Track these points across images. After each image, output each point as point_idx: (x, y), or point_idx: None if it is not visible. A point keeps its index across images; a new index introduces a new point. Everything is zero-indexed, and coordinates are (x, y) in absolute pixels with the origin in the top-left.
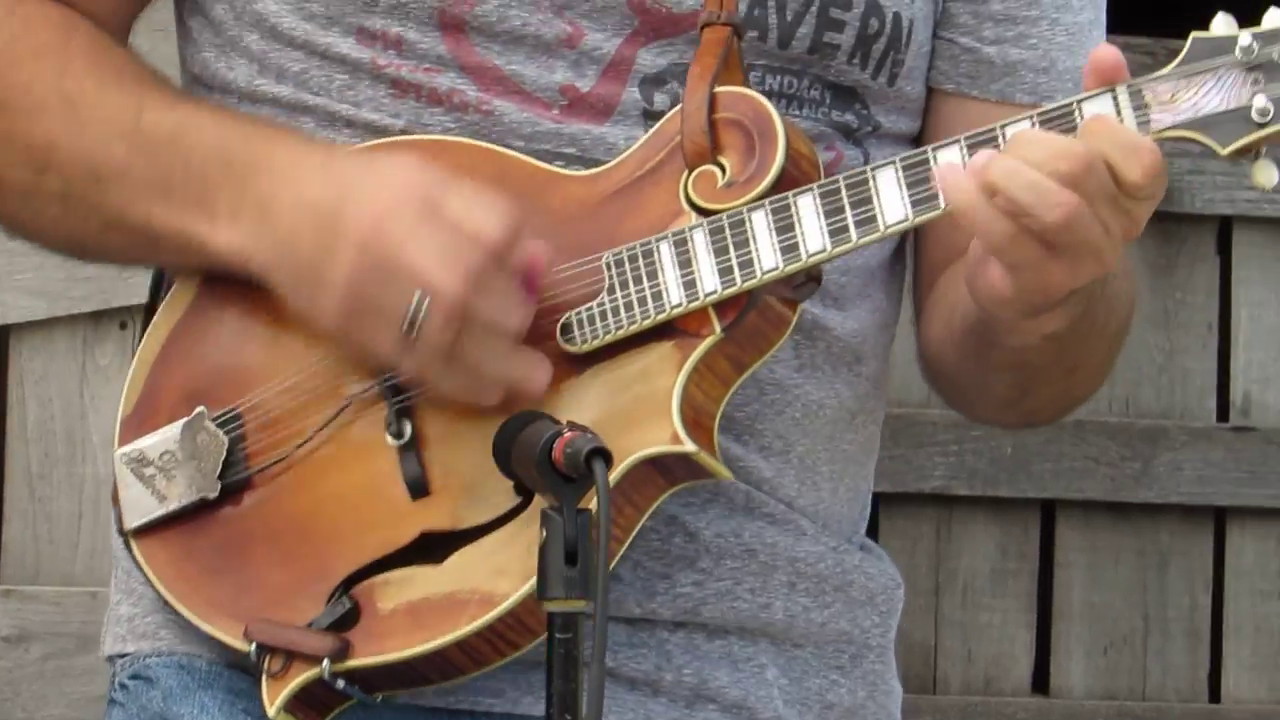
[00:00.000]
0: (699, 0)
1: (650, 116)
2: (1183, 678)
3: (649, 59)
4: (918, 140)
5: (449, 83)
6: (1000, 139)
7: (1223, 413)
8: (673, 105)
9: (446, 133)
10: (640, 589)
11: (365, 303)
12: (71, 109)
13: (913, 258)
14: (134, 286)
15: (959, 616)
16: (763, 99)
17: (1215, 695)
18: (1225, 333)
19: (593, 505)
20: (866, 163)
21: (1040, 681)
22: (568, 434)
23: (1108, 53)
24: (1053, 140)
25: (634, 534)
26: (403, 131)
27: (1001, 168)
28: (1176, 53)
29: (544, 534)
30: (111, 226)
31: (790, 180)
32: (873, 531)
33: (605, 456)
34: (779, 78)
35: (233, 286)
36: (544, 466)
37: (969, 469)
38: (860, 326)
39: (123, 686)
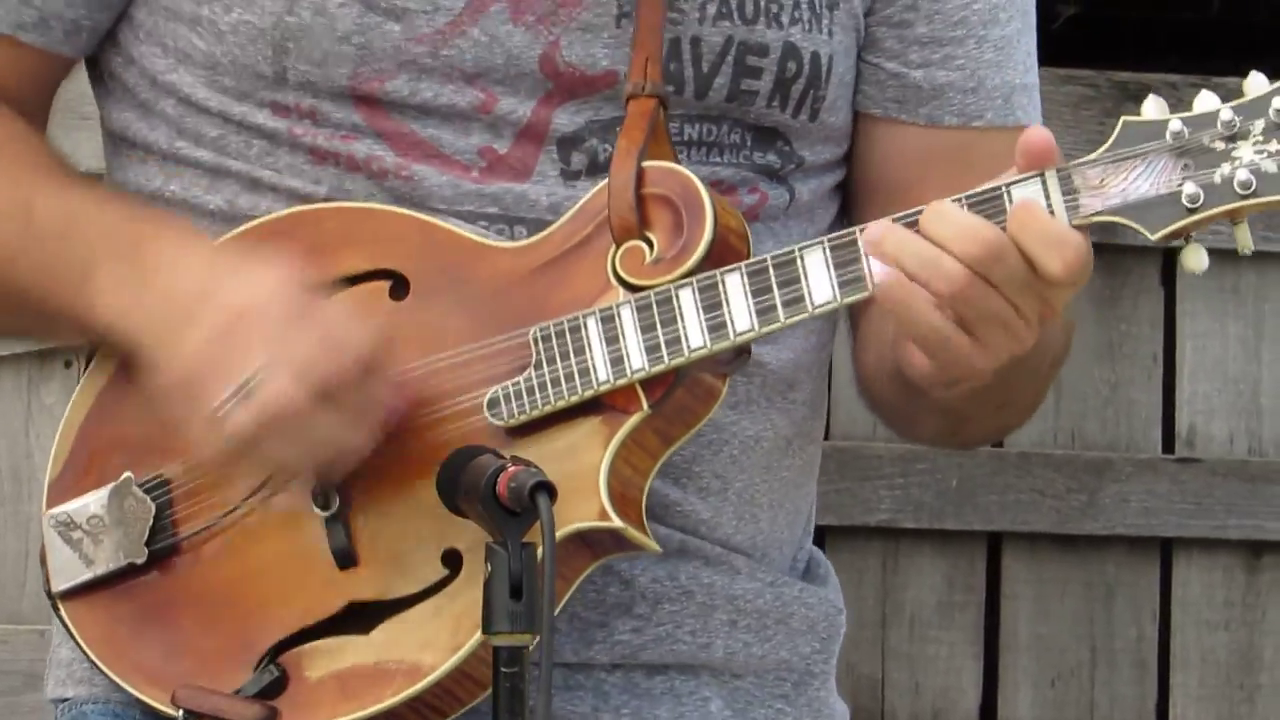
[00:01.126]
0: (613, 60)
1: (568, 176)
2: (1130, 709)
3: (565, 119)
4: (846, 163)
5: (366, 149)
6: None
7: (1168, 444)
8: (590, 164)
9: (370, 198)
10: (577, 638)
11: (207, 370)
12: None
13: None
14: None
15: (906, 649)
16: (690, 175)
17: None
18: (1170, 364)
19: (538, 540)
20: (792, 200)
21: (988, 713)
22: (512, 468)
23: (1038, 135)
24: (964, 220)
25: (562, 604)
26: (326, 199)
27: (894, 240)
28: (1119, 85)
29: (489, 568)
30: (14, 308)
31: (718, 255)
32: None
33: (550, 490)
34: (697, 125)
35: None
36: (489, 501)
37: (915, 502)
38: (795, 355)
39: None
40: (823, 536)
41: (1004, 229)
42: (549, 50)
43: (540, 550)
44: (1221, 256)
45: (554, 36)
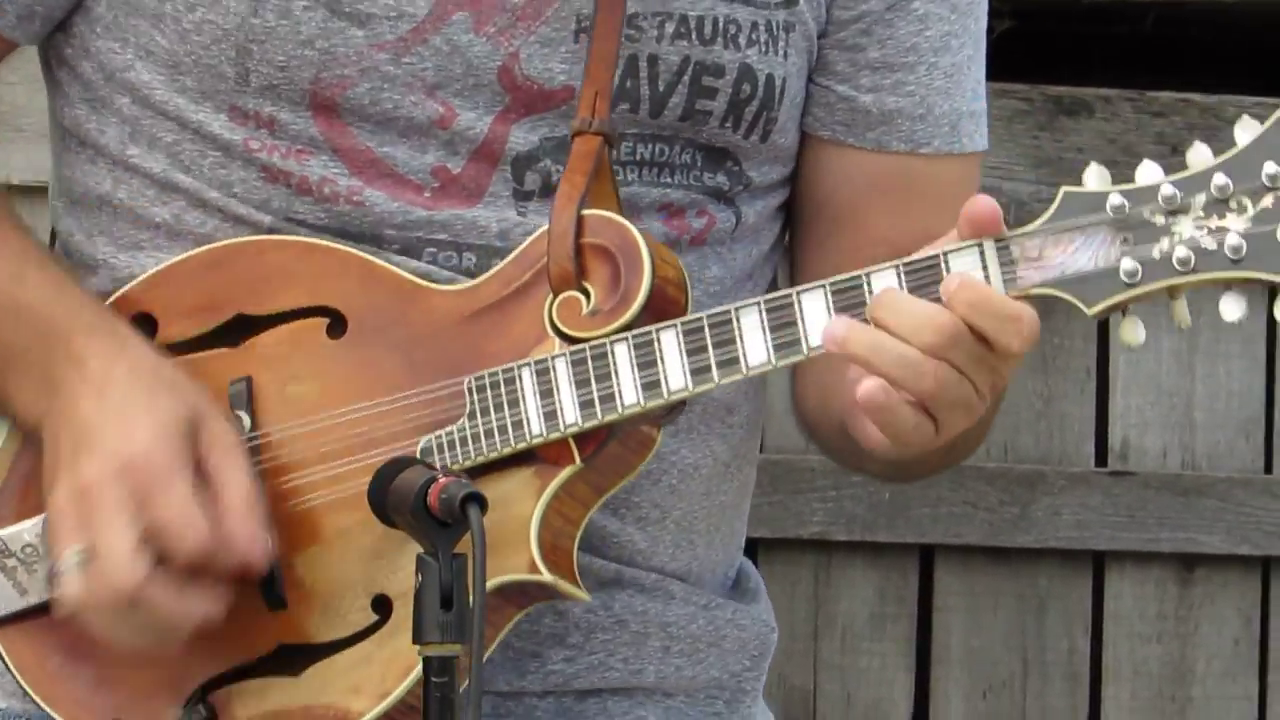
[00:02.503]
0: (570, 75)
1: (520, 197)
2: None
3: (521, 136)
4: (790, 184)
5: (320, 168)
6: (865, 286)
7: (1101, 458)
8: (543, 186)
9: (317, 222)
10: (511, 669)
11: (63, 520)
12: None
13: None
14: None
15: (838, 660)
16: (629, 226)
17: None
18: (1103, 378)
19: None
20: (739, 223)
21: None
22: (442, 480)
23: (983, 206)
24: (919, 309)
25: (491, 649)
26: (270, 229)
27: (866, 344)
28: (1053, 99)
29: (419, 579)
30: None
31: (657, 307)
32: None
33: (480, 501)
34: (650, 145)
35: None
36: (419, 512)
37: (847, 514)
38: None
39: None
40: (755, 549)
41: (937, 299)
42: (508, 62)
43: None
44: None
45: (514, 49)
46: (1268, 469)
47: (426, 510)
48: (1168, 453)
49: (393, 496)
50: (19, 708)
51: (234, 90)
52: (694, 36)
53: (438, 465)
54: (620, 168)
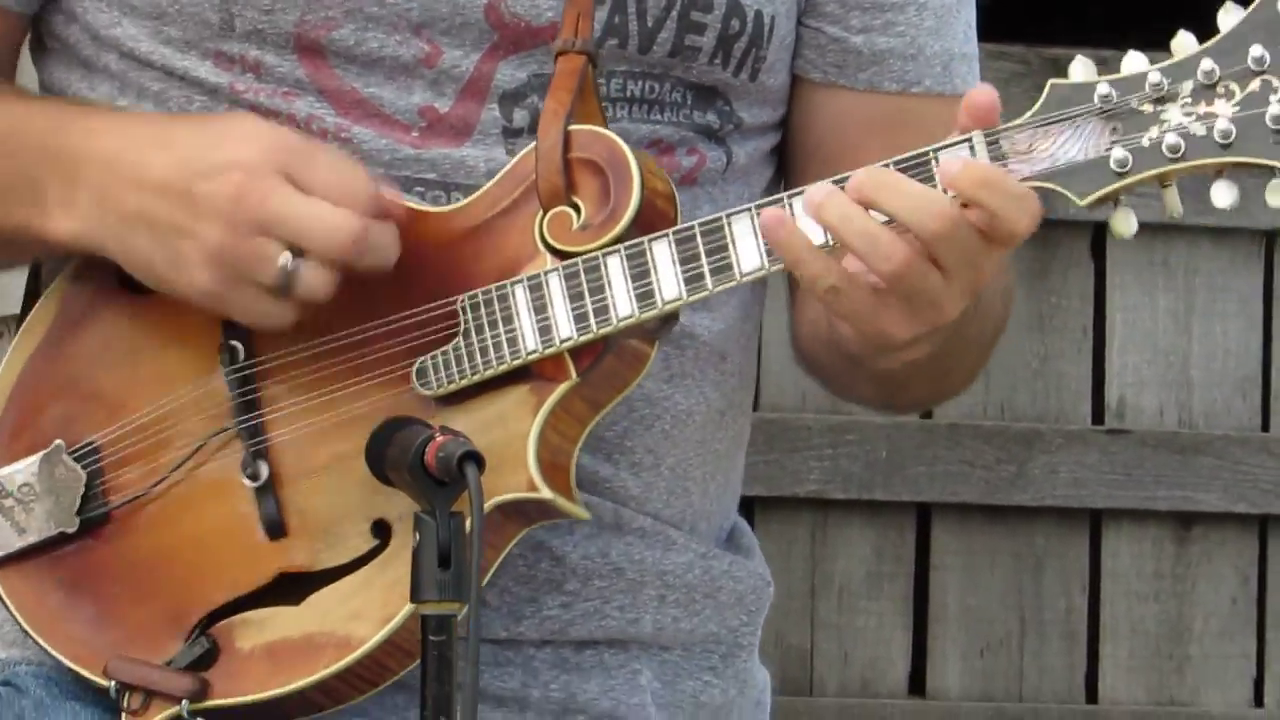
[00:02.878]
0: (558, 11)
1: (510, 134)
2: (1059, 679)
3: (508, 73)
4: (781, 128)
5: (307, 108)
6: None
7: (1097, 416)
8: (532, 121)
9: None
10: (507, 613)
11: (236, 271)
12: None
13: None
14: (7, 298)
15: (835, 619)
16: (617, 139)
17: (1092, 696)
18: (1100, 337)
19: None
20: (729, 163)
21: (917, 684)
22: (440, 438)
23: (984, 94)
24: (921, 193)
25: (491, 572)
26: None
27: (838, 212)
28: (1050, 61)
29: (417, 537)
30: None
31: (647, 220)
32: None
33: (477, 460)
34: (640, 83)
35: (92, 311)
36: (417, 471)
37: (844, 473)
38: (726, 325)
39: None
40: (752, 507)
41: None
42: (494, 0)
43: (468, 519)
44: (1151, 230)
45: None
46: (1264, 427)
47: (424, 469)
48: (1164, 411)
49: (390, 455)
50: (18, 655)
51: (218, 36)
52: None
53: (434, 386)
54: (610, 104)
